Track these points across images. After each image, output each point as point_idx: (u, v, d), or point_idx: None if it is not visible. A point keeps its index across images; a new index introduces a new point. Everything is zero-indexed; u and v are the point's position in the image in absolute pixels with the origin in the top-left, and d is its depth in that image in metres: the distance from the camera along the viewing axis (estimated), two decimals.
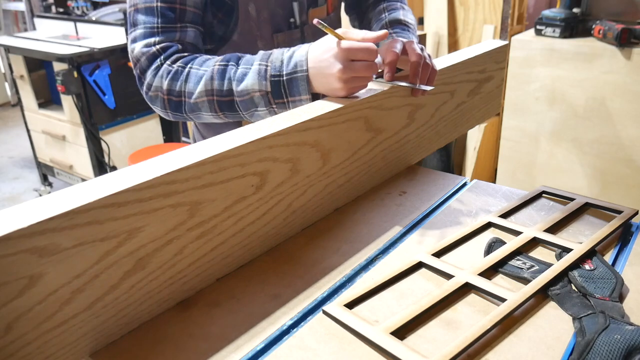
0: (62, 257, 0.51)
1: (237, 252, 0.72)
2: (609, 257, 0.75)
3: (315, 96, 0.83)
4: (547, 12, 2.01)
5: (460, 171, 2.64)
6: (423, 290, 0.69)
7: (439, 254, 0.75)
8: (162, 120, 3.09)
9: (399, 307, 0.65)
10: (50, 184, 3.34)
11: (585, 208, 0.88)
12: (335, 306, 0.64)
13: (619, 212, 0.84)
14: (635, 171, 1.91)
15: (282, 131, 0.72)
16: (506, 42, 1.26)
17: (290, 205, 0.78)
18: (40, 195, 2.49)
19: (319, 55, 0.79)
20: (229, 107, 0.85)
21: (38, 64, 3.02)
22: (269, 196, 0.73)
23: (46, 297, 0.51)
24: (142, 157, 2.54)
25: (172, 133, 3.12)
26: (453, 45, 2.61)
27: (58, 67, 2.67)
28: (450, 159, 2.56)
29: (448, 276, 0.70)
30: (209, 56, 0.87)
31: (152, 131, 3.06)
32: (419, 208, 0.90)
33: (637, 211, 0.85)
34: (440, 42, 2.59)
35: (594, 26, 1.91)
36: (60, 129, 2.92)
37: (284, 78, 0.81)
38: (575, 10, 2.01)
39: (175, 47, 0.87)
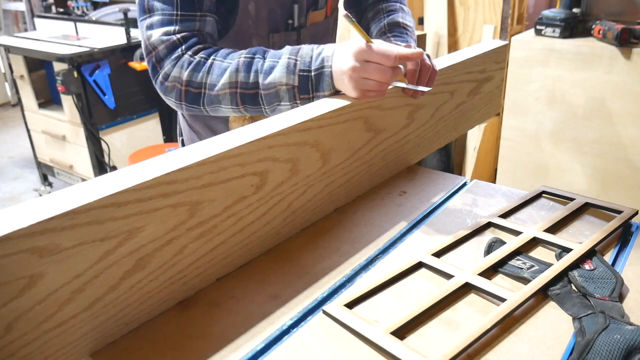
0: (62, 257, 0.51)
1: (237, 252, 0.72)
2: (609, 257, 0.75)
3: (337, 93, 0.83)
4: (547, 12, 2.01)
5: (460, 171, 2.64)
6: (423, 290, 0.69)
7: (439, 254, 0.75)
8: (162, 120, 3.09)
9: (399, 307, 0.65)
10: (50, 184, 3.34)
11: (585, 208, 0.88)
12: (335, 306, 0.64)
13: (619, 212, 0.84)
14: (635, 171, 1.91)
15: (282, 131, 0.72)
16: (506, 42, 1.26)
17: (290, 205, 0.78)
18: (40, 195, 2.49)
19: (342, 52, 0.79)
20: (252, 101, 0.84)
21: (38, 64, 3.02)
22: (269, 196, 0.73)
23: (46, 297, 0.51)
24: (142, 157, 2.54)
25: (172, 133, 3.12)
26: (453, 45, 2.61)
27: (58, 67, 2.67)
28: (450, 159, 2.56)
29: (448, 276, 0.70)
30: (231, 49, 0.86)
31: (152, 131, 3.06)
32: (419, 208, 0.90)
33: (637, 211, 0.85)
34: (440, 42, 2.59)
35: (593, 26, 1.91)
36: (60, 129, 2.92)
37: (312, 73, 0.81)
38: (575, 10, 2.01)
39: (196, 38, 0.85)
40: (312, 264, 0.74)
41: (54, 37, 3.05)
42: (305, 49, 0.83)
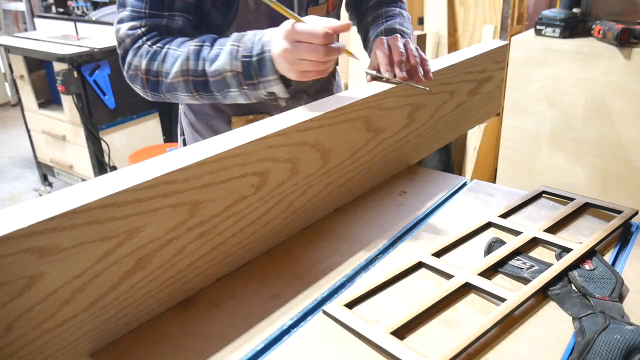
0: (62, 257, 0.51)
1: (237, 252, 0.72)
2: (609, 257, 0.75)
3: (285, 78, 0.83)
4: (547, 12, 2.01)
5: (460, 171, 2.64)
6: (423, 290, 0.69)
7: (439, 254, 0.75)
8: (162, 120, 3.09)
9: (399, 307, 0.65)
10: (50, 184, 3.34)
11: (585, 208, 0.88)
12: (335, 306, 0.64)
13: (619, 212, 0.84)
14: (635, 171, 1.91)
15: (282, 131, 0.72)
16: (506, 42, 1.26)
17: (290, 205, 0.78)
18: (40, 195, 2.49)
19: (276, 35, 0.80)
20: (203, 88, 0.86)
21: (38, 64, 3.02)
22: (269, 196, 0.73)
23: (46, 297, 0.51)
24: (142, 157, 2.54)
25: (172, 133, 3.12)
26: (453, 45, 2.61)
27: (58, 67, 2.67)
28: (450, 159, 2.56)
29: (448, 276, 0.70)
30: (187, 38, 0.89)
31: (152, 131, 3.05)
32: (419, 208, 0.90)
33: (637, 211, 0.86)
34: (440, 42, 2.59)
35: (594, 26, 1.91)
36: (60, 129, 2.92)
37: (254, 59, 0.81)
38: (575, 10, 2.01)
39: (159, 30, 0.89)
40: (312, 264, 0.74)
41: (54, 37, 3.05)
42: (249, 35, 0.84)
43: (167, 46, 0.87)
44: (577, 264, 0.71)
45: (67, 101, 2.75)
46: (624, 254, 0.76)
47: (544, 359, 0.57)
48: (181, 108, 1.15)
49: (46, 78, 3.09)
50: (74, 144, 2.88)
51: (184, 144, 1.18)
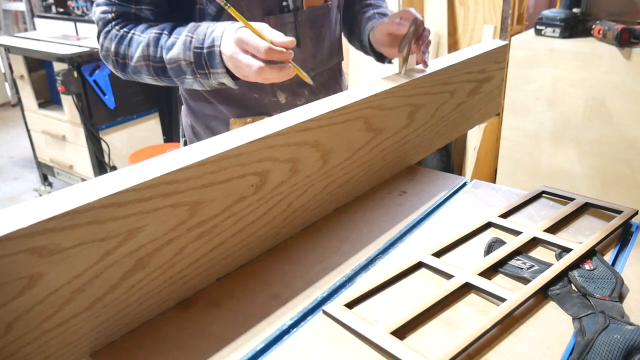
0: (62, 257, 0.51)
1: (237, 252, 0.72)
2: (609, 257, 0.75)
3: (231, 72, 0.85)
4: (547, 12, 2.01)
5: (460, 171, 2.64)
6: (423, 290, 0.69)
7: (439, 254, 0.75)
8: (162, 120, 3.09)
9: (399, 307, 0.65)
10: (50, 184, 3.34)
11: (585, 208, 0.88)
12: (335, 306, 0.64)
13: (619, 212, 0.84)
14: (635, 171, 1.91)
15: (282, 131, 0.72)
16: (506, 42, 1.26)
17: (290, 205, 0.78)
18: (40, 195, 2.49)
19: (227, 36, 0.82)
20: (163, 73, 0.91)
21: (38, 64, 3.02)
22: (269, 196, 0.73)
23: (46, 297, 0.51)
24: (142, 157, 2.54)
25: (172, 133, 3.12)
26: (453, 45, 2.61)
27: (58, 67, 2.67)
28: (450, 159, 2.56)
29: (448, 276, 0.70)
30: (151, 24, 0.93)
31: (152, 131, 3.05)
32: (419, 208, 0.90)
33: (637, 211, 0.85)
34: (440, 42, 2.59)
35: (594, 26, 1.91)
36: (60, 129, 2.92)
37: (204, 51, 0.84)
38: (575, 10, 2.01)
39: (127, 17, 0.94)
40: (312, 264, 0.74)
41: (54, 37, 3.05)
42: (203, 26, 0.87)
43: (132, 31, 0.92)
44: (577, 264, 0.71)
45: (67, 101, 2.75)
46: (624, 254, 0.76)
47: (544, 359, 0.57)
48: (183, 109, 1.15)
49: (46, 78, 3.09)
50: (74, 144, 2.88)
51: (185, 145, 1.18)
